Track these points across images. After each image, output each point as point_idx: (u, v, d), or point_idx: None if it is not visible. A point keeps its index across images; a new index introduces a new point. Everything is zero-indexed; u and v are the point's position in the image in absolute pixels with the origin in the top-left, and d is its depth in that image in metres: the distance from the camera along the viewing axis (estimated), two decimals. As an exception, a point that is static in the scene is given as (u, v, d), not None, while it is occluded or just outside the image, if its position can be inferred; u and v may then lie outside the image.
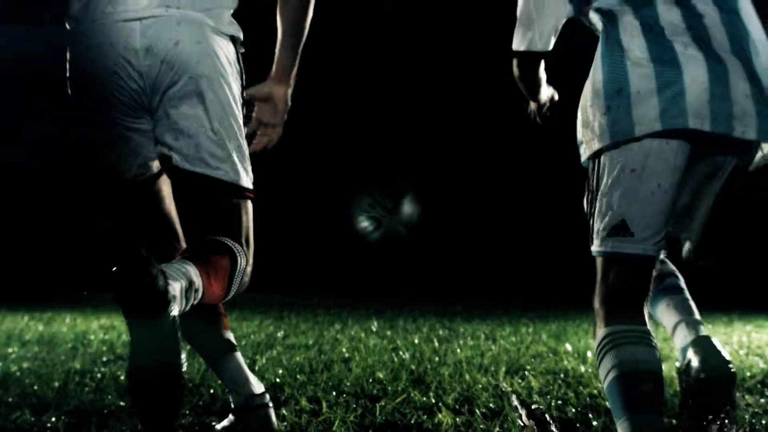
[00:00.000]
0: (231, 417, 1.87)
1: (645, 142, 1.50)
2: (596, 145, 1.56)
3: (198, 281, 1.41)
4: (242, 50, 1.73)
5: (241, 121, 1.67)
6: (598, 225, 1.56)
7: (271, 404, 1.86)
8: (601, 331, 1.52)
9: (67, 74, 1.66)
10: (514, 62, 1.89)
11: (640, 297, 1.54)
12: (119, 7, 1.56)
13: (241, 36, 1.71)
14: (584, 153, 1.62)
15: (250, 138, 1.73)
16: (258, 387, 1.84)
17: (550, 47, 1.83)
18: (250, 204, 1.68)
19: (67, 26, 1.64)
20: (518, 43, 1.82)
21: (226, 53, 1.64)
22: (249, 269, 1.64)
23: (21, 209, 18.41)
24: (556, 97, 2.06)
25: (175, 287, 1.32)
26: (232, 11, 1.69)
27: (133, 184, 1.67)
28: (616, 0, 1.62)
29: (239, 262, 1.58)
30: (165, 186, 1.71)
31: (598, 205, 1.57)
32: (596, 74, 1.60)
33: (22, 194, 18.41)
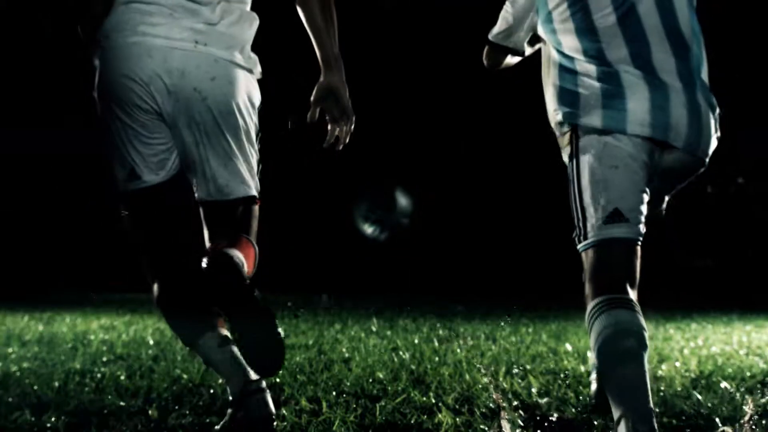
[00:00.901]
0: (230, 411, 1.86)
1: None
2: None
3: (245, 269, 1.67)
4: (260, 77, 1.93)
5: (255, 141, 1.89)
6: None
7: (266, 389, 1.85)
8: (590, 305, 1.69)
9: (96, 82, 1.80)
10: (485, 50, 2.18)
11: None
12: (155, 30, 1.73)
13: (259, 67, 1.91)
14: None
15: (324, 139, 1.89)
16: (254, 375, 1.84)
17: (522, 47, 2.11)
18: (257, 208, 1.87)
19: (100, 40, 1.79)
20: (492, 34, 2.13)
21: (249, 88, 1.85)
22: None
23: (22, 210, 18.40)
24: None
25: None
26: (251, 43, 1.89)
27: (151, 187, 1.81)
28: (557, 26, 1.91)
29: (257, 251, 1.82)
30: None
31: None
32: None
33: (23, 194, 18.41)
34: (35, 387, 2.51)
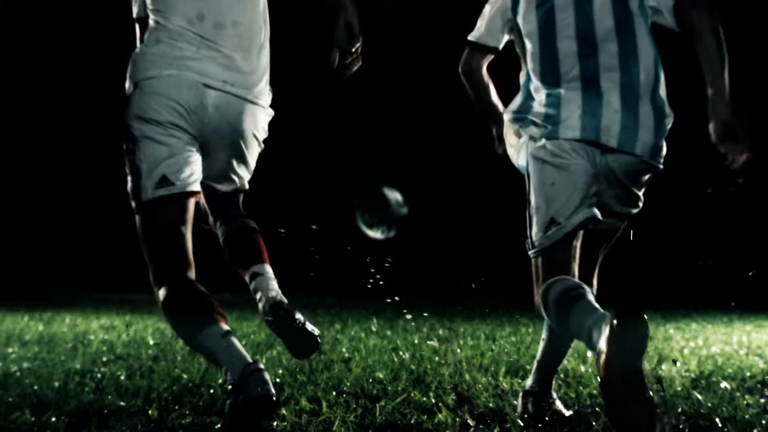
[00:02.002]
0: (228, 401, 1.84)
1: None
2: None
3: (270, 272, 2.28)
4: (270, 109, 2.34)
5: (257, 150, 2.36)
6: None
7: (265, 370, 1.86)
8: (539, 294, 1.95)
9: (133, 104, 2.09)
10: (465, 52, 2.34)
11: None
12: (188, 64, 2.11)
13: (270, 98, 2.33)
14: None
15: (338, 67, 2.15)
16: (250, 358, 1.90)
17: (497, 44, 2.26)
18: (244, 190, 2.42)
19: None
20: (472, 35, 2.31)
21: (262, 121, 2.29)
22: None
23: (22, 210, 18.40)
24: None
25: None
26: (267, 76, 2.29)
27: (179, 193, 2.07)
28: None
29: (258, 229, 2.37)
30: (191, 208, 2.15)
31: None
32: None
33: (24, 195, 18.40)
34: (35, 387, 2.51)
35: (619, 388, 1.56)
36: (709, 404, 2.26)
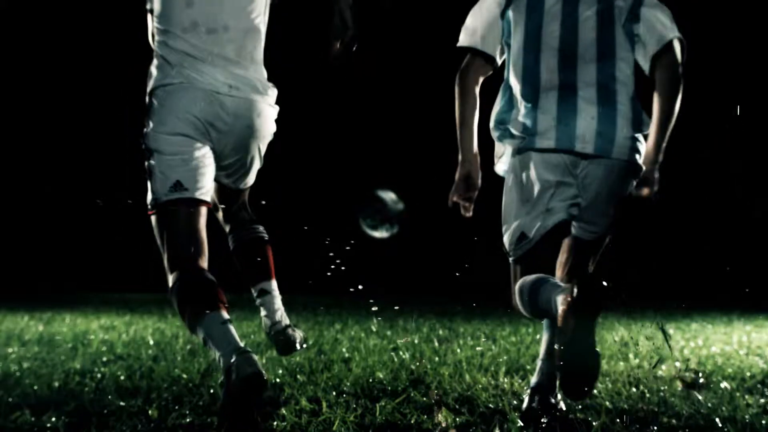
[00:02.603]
0: (224, 385, 1.95)
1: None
2: None
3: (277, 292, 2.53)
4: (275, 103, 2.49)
5: (265, 146, 2.51)
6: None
7: (253, 353, 1.97)
8: (515, 293, 2.11)
9: (153, 114, 2.27)
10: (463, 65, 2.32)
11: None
12: (200, 76, 2.27)
13: (275, 94, 2.48)
14: None
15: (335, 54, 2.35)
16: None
17: (494, 54, 2.28)
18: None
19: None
20: (462, 41, 2.32)
21: (271, 116, 2.45)
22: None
23: (23, 211, 18.40)
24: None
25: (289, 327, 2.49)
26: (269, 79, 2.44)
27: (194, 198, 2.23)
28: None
29: (268, 238, 2.56)
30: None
31: None
32: None
33: (25, 196, 18.41)
34: (35, 387, 2.51)
35: (571, 340, 1.70)
36: (709, 404, 2.26)
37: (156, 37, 2.37)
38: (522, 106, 2.15)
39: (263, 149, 2.49)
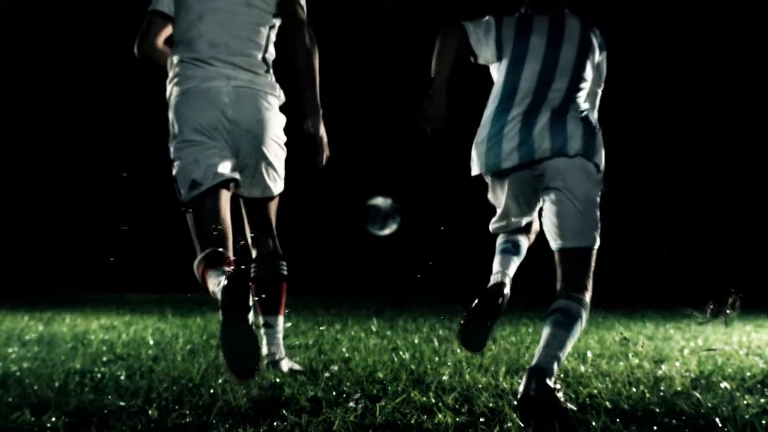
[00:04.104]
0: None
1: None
2: None
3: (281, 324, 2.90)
4: (284, 100, 2.78)
5: (282, 154, 2.79)
6: None
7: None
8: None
9: (174, 122, 2.61)
10: (441, 35, 2.61)
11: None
12: (209, 83, 2.59)
13: (282, 94, 2.77)
14: None
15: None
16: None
17: (478, 52, 2.60)
18: (277, 198, 2.86)
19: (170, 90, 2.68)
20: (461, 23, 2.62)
21: (279, 129, 2.74)
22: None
23: (23, 211, 18.39)
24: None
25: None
26: (272, 74, 2.74)
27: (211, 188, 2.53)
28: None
29: (286, 274, 2.88)
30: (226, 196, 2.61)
31: None
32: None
33: (26, 196, 18.40)
34: (35, 387, 2.51)
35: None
36: (709, 404, 2.26)
37: (172, 47, 2.71)
38: (490, 127, 2.55)
39: (273, 159, 2.72)
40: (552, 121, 2.43)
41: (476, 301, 2.61)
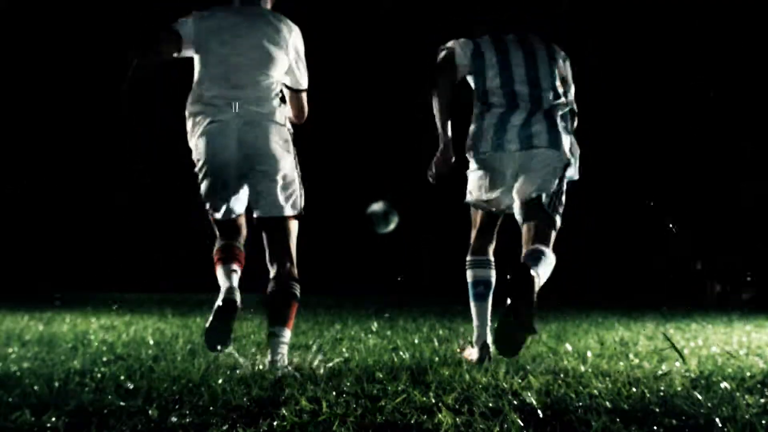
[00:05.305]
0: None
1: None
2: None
3: (288, 336, 3.10)
4: (291, 129, 3.21)
5: (297, 175, 3.17)
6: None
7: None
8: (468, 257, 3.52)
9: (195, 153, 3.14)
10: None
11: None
12: (219, 116, 3.02)
13: (289, 117, 3.27)
14: None
15: None
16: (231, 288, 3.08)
17: (460, 70, 3.29)
18: (295, 221, 3.19)
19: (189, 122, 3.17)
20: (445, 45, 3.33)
21: (285, 136, 3.12)
22: (295, 271, 3.16)
23: (23, 211, 18.37)
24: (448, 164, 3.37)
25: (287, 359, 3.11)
26: (280, 100, 3.15)
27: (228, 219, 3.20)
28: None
29: (298, 296, 3.12)
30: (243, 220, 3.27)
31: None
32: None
33: (26, 196, 18.38)
34: (35, 387, 2.51)
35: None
36: (709, 404, 2.26)
37: (194, 83, 3.10)
38: (476, 123, 3.32)
39: (282, 180, 3.08)
40: (535, 121, 3.14)
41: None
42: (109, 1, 16.48)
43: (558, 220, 3.14)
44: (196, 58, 3.11)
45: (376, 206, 3.79)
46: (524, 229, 3.14)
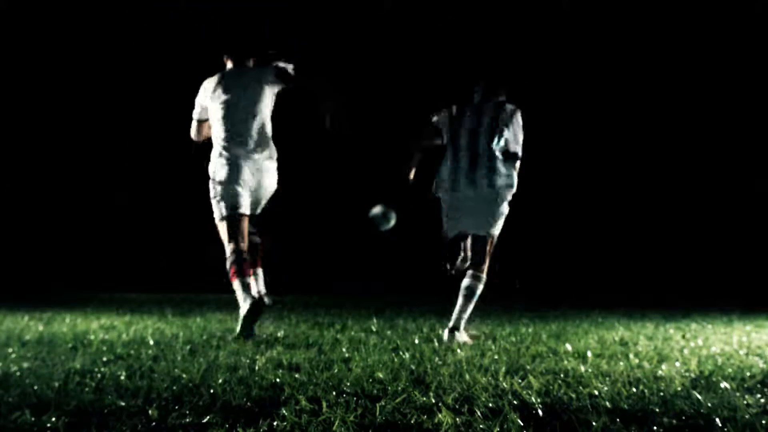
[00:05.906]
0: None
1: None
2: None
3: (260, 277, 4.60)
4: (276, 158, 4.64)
5: (274, 189, 4.66)
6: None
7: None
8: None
9: (212, 178, 4.56)
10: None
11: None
12: (233, 153, 4.46)
13: (275, 153, 4.60)
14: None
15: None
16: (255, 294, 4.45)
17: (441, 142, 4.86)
18: None
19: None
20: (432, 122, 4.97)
21: (275, 178, 4.62)
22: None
23: (24, 211, 18.37)
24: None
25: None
26: (272, 143, 4.60)
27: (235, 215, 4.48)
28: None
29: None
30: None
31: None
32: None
33: (26, 196, 18.39)
34: (35, 387, 2.51)
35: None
36: (709, 404, 2.26)
37: (212, 137, 4.54)
38: (441, 168, 4.76)
39: (270, 195, 4.58)
40: (478, 167, 4.51)
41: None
42: (109, 1, 16.48)
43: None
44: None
45: (376, 209, 4.42)
46: None
